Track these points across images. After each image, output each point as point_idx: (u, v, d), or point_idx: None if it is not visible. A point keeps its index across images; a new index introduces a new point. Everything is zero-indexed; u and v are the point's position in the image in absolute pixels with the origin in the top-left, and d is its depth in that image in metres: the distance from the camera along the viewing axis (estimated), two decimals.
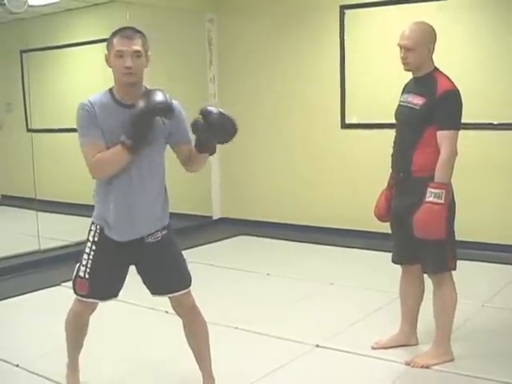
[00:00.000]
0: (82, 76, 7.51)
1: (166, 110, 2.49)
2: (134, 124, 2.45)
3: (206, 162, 2.76)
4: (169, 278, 2.76)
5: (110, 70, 2.61)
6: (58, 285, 4.83)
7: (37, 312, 4.31)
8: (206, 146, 2.62)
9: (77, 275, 2.74)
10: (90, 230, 2.73)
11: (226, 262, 5.44)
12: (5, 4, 5.30)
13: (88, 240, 2.72)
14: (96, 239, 2.70)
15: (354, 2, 6.00)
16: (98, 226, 2.70)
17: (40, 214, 6.17)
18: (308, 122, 6.46)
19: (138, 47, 2.53)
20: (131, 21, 6.02)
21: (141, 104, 2.46)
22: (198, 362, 2.89)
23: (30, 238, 5.87)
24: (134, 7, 6.19)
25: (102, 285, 2.73)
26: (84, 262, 2.71)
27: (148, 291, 2.82)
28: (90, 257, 2.70)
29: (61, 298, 4.58)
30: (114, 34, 2.56)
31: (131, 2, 6.16)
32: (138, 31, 2.59)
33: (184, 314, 2.81)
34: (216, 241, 6.36)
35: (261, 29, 6.64)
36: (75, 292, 2.76)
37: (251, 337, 3.72)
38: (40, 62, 7.64)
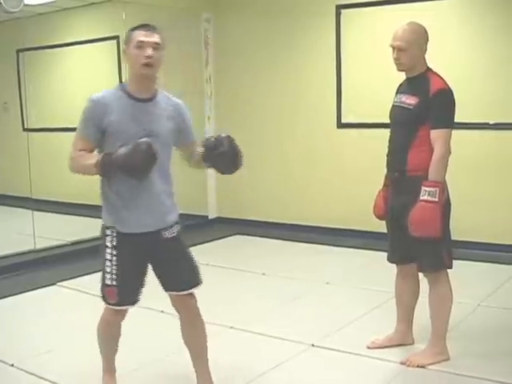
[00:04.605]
0: (79, 75, 7.48)
1: (139, 178, 2.54)
2: (114, 163, 2.49)
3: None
4: (186, 273, 2.78)
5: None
6: (54, 284, 4.82)
7: (32, 312, 4.30)
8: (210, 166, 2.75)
9: (104, 284, 2.70)
10: (106, 235, 2.68)
11: (222, 262, 5.44)
12: (1, 3, 5.29)
13: (106, 246, 2.67)
14: (115, 243, 2.66)
15: (350, 2, 6.00)
16: (113, 230, 2.66)
17: (36, 213, 6.15)
18: (304, 121, 6.47)
19: (157, 39, 2.61)
20: (127, 20, 6.02)
21: (131, 155, 2.45)
22: (194, 362, 2.88)
23: (26, 237, 5.85)
24: (130, 6, 6.17)
25: (130, 288, 2.71)
26: (108, 270, 2.66)
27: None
28: (114, 262, 2.65)
29: (56, 297, 4.60)
30: (134, 29, 2.63)
31: (128, 1, 6.14)
32: (157, 28, 2.66)
33: (188, 311, 2.80)
34: (212, 240, 6.35)
35: (257, 28, 6.64)
36: (106, 302, 2.73)
37: (246, 336, 3.73)
38: (36, 62, 7.64)
